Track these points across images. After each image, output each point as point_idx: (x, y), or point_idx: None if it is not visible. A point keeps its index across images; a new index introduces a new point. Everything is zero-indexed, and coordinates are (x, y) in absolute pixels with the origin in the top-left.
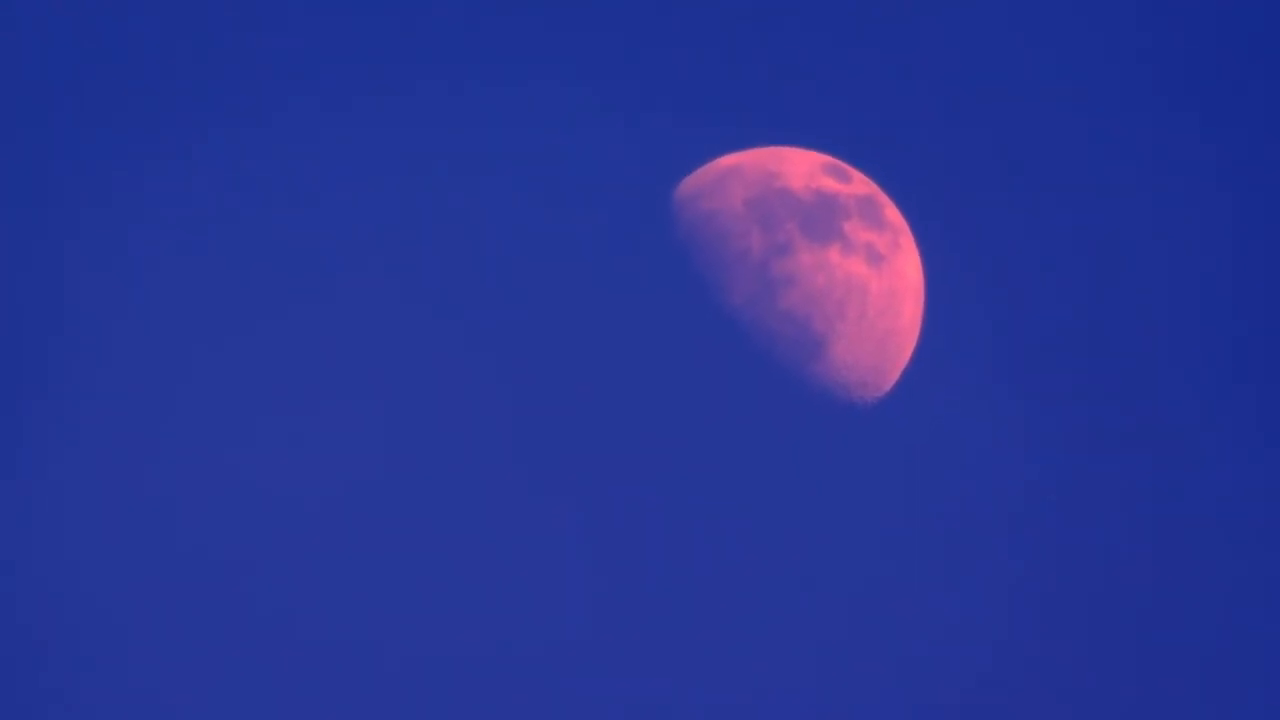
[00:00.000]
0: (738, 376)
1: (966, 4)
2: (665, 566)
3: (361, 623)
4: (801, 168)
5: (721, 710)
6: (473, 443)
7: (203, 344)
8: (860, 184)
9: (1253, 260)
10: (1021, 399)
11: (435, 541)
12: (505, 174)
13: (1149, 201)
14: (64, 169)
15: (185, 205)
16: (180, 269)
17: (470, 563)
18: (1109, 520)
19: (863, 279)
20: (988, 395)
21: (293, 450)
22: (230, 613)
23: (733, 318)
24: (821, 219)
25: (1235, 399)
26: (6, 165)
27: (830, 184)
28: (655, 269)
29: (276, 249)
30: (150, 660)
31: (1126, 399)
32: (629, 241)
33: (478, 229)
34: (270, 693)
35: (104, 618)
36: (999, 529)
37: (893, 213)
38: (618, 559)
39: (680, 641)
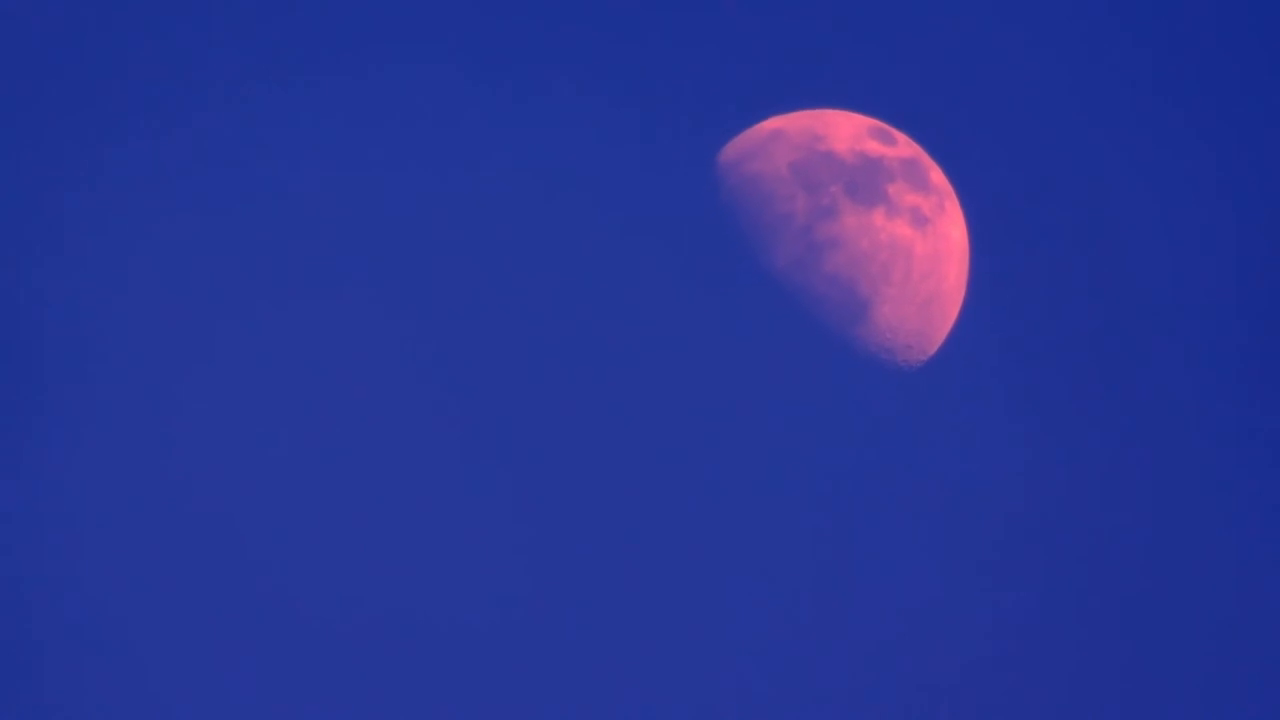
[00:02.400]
0: (782, 340)
1: None
2: (708, 531)
3: (360, 619)
4: (846, 131)
5: (778, 670)
6: (511, 408)
7: (225, 340)
8: (905, 147)
9: None
10: (1066, 362)
11: (473, 521)
12: (554, 137)
13: (1199, 163)
14: (55, 166)
15: (195, 205)
16: (193, 267)
17: (500, 538)
18: (1157, 480)
19: (907, 242)
20: (1032, 358)
21: (309, 445)
22: (220, 607)
23: (777, 281)
24: (866, 182)
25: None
26: None
27: (875, 147)
28: (699, 233)
29: (299, 245)
30: (143, 658)
31: (1174, 360)
32: (673, 205)
33: (527, 189)
34: (262, 691)
35: (96, 617)
36: (1044, 490)
37: (937, 176)
38: (660, 525)
39: (727, 601)
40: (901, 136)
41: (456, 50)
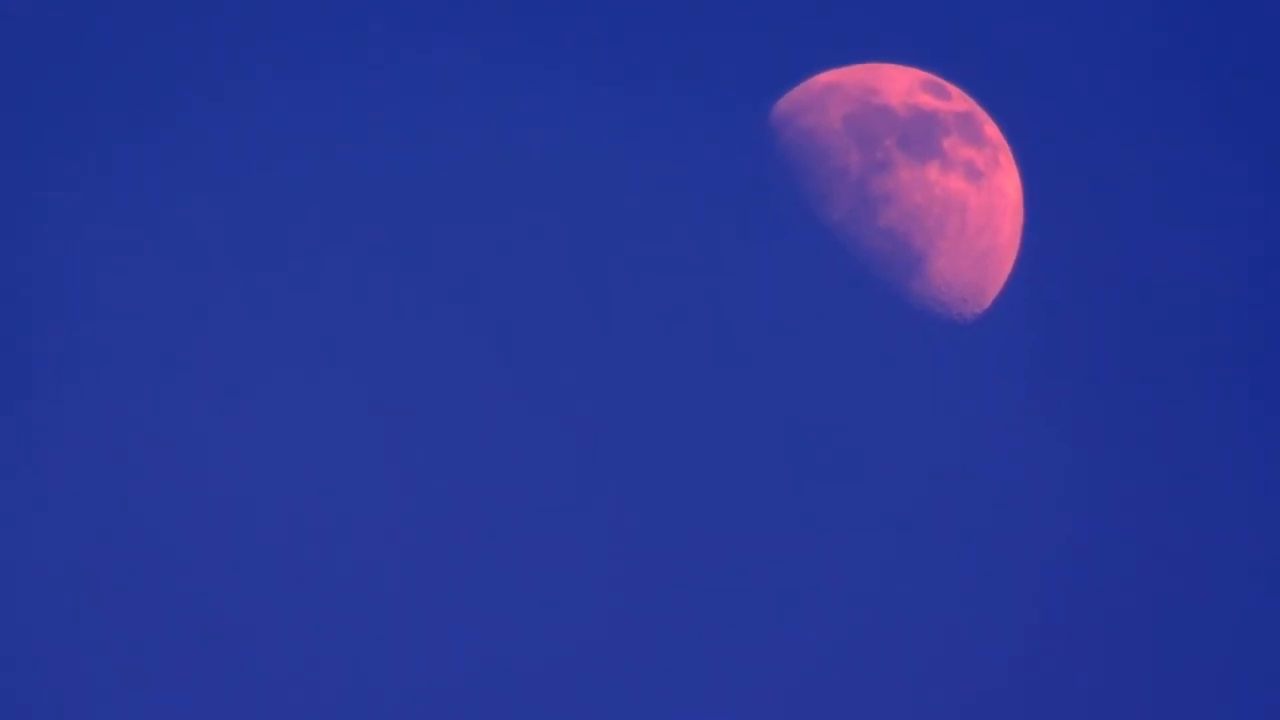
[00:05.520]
0: (837, 294)
1: None
2: (762, 486)
3: (366, 634)
4: (900, 84)
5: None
6: (566, 364)
7: (220, 342)
8: (959, 101)
9: None
10: (1122, 316)
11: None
12: (608, 92)
13: (1263, 119)
14: (35, 156)
15: (197, 201)
16: (191, 265)
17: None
18: (1211, 429)
19: (961, 195)
20: (1088, 312)
21: (326, 446)
22: (219, 624)
23: (831, 235)
24: (920, 136)
25: None
26: None
27: (929, 101)
28: (754, 187)
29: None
30: (136, 672)
31: (1224, 318)
32: (727, 159)
33: (579, 144)
34: (264, 706)
35: (84, 625)
36: (1096, 447)
37: (992, 129)
38: (712, 481)
39: (778, 554)
40: (956, 90)
41: (504, 9)
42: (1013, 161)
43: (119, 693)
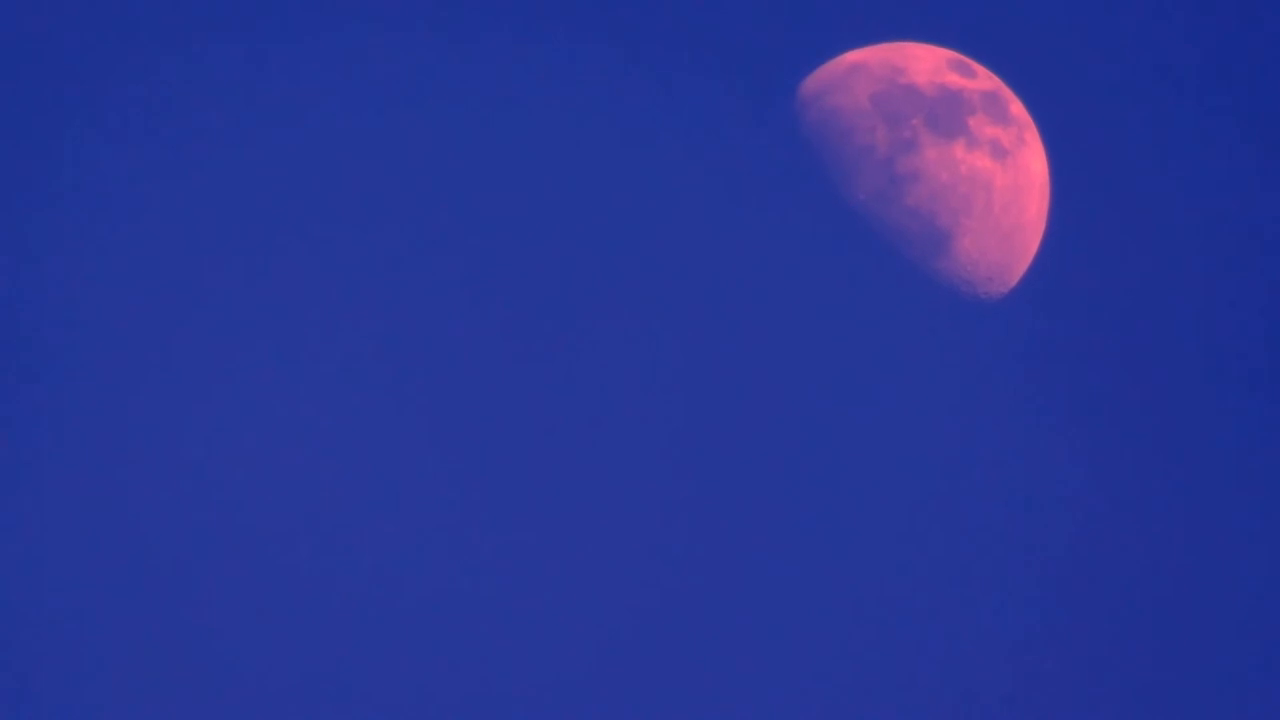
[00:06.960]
0: (863, 272)
1: None
2: (786, 463)
3: (367, 635)
4: (926, 63)
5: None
6: (591, 343)
7: (214, 338)
8: (985, 79)
9: None
10: (1148, 296)
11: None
12: (636, 72)
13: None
14: (35, 156)
15: (191, 202)
16: (191, 260)
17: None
18: (1239, 412)
19: (987, 174)
20: (1114, 292)
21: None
22: (218, 625)
23: (858, 214)
24: (946, 115)
25: None
26: None
27: (955, 79)
28: (781, 166)
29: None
30: (136, 672)
31: (1250, 296)
32: (754, 138)
33: (603, 122)
34: (267, 707)
35: (85, 625)
36: (1124, 424)
37: (1018, 108)
38: (736, 457)
39: (798, 532)
40: (981, 69)
41: None
42: (1039, 140)
43: (119, 692)
